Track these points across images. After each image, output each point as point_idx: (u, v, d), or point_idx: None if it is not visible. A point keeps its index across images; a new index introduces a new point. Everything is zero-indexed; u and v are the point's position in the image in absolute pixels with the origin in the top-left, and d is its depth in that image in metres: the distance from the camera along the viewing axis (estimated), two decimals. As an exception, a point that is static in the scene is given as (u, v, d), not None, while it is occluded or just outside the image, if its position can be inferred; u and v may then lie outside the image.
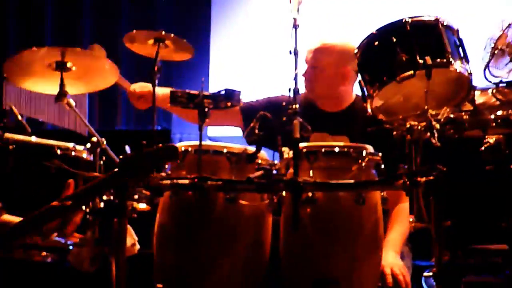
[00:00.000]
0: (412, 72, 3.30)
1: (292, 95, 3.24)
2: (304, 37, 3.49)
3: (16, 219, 3.00)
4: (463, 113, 3.41)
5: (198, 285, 3.46)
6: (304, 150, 3.33)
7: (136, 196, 3.37)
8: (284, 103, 3.26)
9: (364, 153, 3.40)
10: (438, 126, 3.35)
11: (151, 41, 4.12)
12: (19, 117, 3.88)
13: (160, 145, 2.72)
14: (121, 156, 2.73)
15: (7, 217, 3.12)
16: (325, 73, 4.19)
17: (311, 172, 3.36)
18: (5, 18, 6.51)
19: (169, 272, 3.47)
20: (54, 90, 3.98)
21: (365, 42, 3.37)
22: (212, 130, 5.00)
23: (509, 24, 3.29)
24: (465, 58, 3.31)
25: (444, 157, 3.30)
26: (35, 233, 2.87)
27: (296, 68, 3.21)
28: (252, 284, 3.48)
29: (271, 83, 5.18)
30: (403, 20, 3.33)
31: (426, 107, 3.32)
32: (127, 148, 3.26)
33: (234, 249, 3.47)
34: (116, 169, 2.61)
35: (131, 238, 3.54)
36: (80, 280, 3.31)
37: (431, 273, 3.26)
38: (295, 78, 3.20)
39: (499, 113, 3.23)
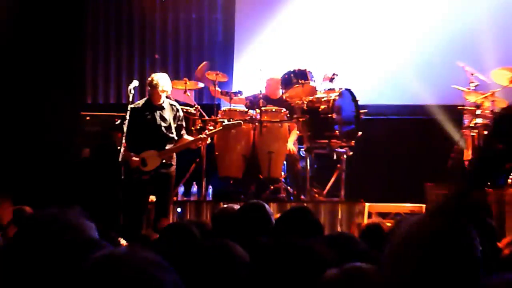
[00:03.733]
0: (298, 85, 8.03)
1: (261, 93, 8.09)
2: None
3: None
4: (314, 98, 7.90)
5: (229, 154, 7.98)
6: (264, 109, 8.01)
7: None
8: (258, 95, 7.87)
9: (282, 111, 8.09)
10: (306, 101, 7.98)
11: (212, 75, 8.48)
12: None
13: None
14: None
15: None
16: (273, 88, 8.55)
17: (265, 117, 8.01)
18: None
19: (218, 149, 8.10)
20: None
21: (283, 75, 8.13)
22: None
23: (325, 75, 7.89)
24: (314, 81, 7.98)
25: (308, 111, 7.77)
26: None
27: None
28: (245, 155, 8.05)
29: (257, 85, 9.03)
30: (294, 69, 8.04)
31: (302, 97, 7.96)
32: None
33: (240, 143, 8.03)
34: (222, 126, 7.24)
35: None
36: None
37: (303, 149, 7.93)
38: (260, 89, 7.99)
39: (325, 98, 7.80)
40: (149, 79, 7.12)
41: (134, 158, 7.01)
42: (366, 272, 2.15)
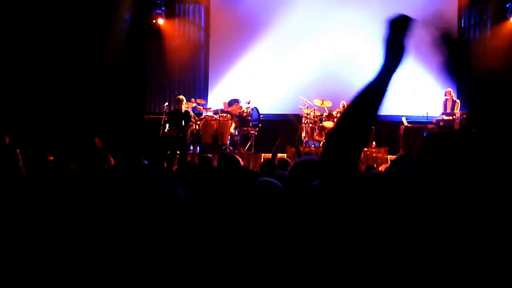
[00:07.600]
0: (234, 105, 14.73)
1: (220, 109, 14.78)
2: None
3: None
4: (241, 110, 14.67)
5: (206, 133, 14.71)
6: (220, 115, 14.84)
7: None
8: (218, 109, 14.67)
9: (228, 116, 14.99)
10: (238, 112, 14.77)
11: (198, 100, 15.24)
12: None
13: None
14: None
15: None
16: (225, 106, 15.62)
17: (221, 118, 15.03)
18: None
19: (201, 131, 14.81)
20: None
21: (228, 101, 15.11)
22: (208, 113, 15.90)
23: (245, 101, 14.74)
24: (241, 103, 14.67)
25: (238, 116, 14.53)
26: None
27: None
28: (213, 133, 14.87)
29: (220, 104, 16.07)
30: (233, 98, 14.66)
31: (236, 110, 14.69)
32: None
33: (211, 129, 14.87)
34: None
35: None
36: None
37: (237, 131, 14.60)
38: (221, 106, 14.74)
39: (246, 111, 14.59)
40: (178, 97, 13.79)
41: (166, 131, 14.03)
42: (273, 182, 3.00)
